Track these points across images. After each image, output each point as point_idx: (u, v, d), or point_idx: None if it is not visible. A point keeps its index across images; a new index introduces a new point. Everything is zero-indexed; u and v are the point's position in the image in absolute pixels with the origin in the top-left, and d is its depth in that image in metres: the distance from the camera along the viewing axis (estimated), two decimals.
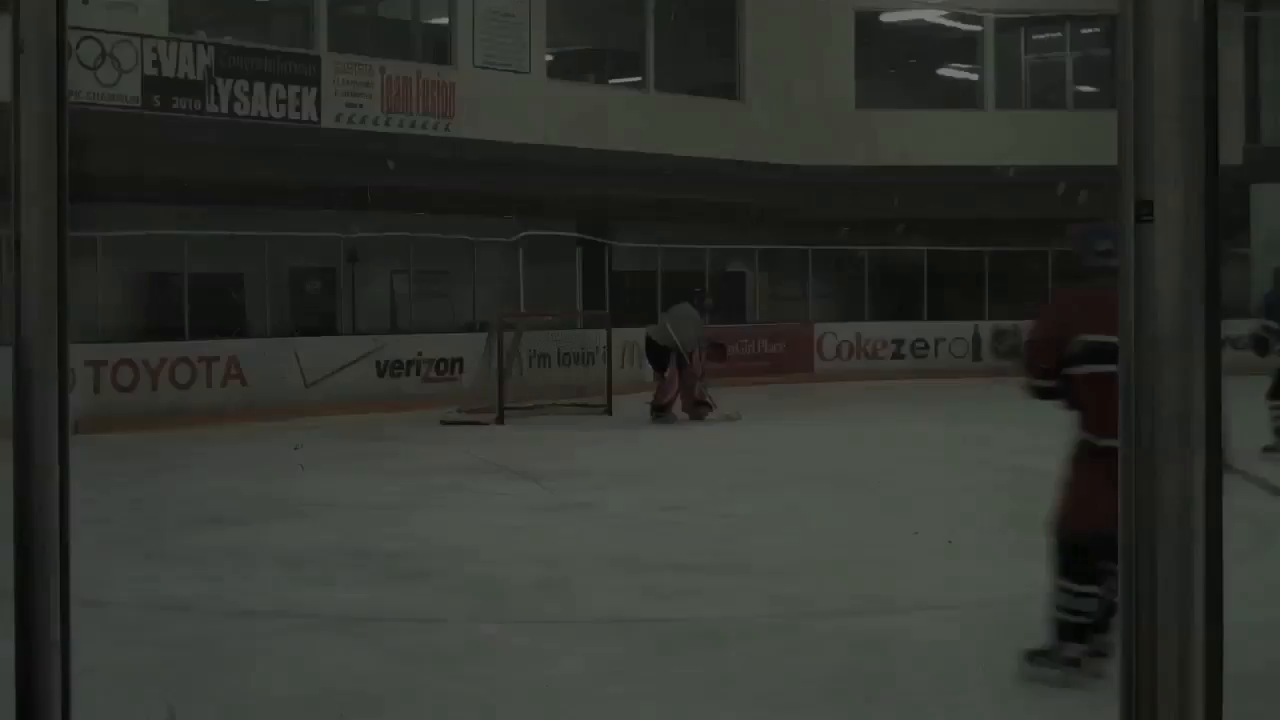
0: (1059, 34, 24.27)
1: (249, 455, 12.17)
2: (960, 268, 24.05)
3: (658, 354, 15.01)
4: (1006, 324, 5.72)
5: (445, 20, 18.93)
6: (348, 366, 16.24)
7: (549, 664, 5.34)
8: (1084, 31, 24.18)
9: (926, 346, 21.74)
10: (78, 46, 14.50)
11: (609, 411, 15.52)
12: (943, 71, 25.52)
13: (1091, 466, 5.18)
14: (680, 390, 14.88)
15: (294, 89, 16.79)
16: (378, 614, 6.13)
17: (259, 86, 16.47)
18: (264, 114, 16.51)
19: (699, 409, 14.84)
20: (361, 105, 17.43)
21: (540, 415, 15.46)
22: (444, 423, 14.51)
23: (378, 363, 16.53)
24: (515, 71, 19.00)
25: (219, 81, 16.15)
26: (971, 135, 22.54)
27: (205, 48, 16.22)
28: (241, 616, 6.16)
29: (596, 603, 6.38)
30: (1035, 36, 24.63)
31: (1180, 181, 1.49)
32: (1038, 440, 12.99)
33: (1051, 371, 5.37)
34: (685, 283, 21.08)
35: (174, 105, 15.76)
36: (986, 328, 21.97)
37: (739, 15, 21.96)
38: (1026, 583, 6.71)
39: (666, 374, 14.88)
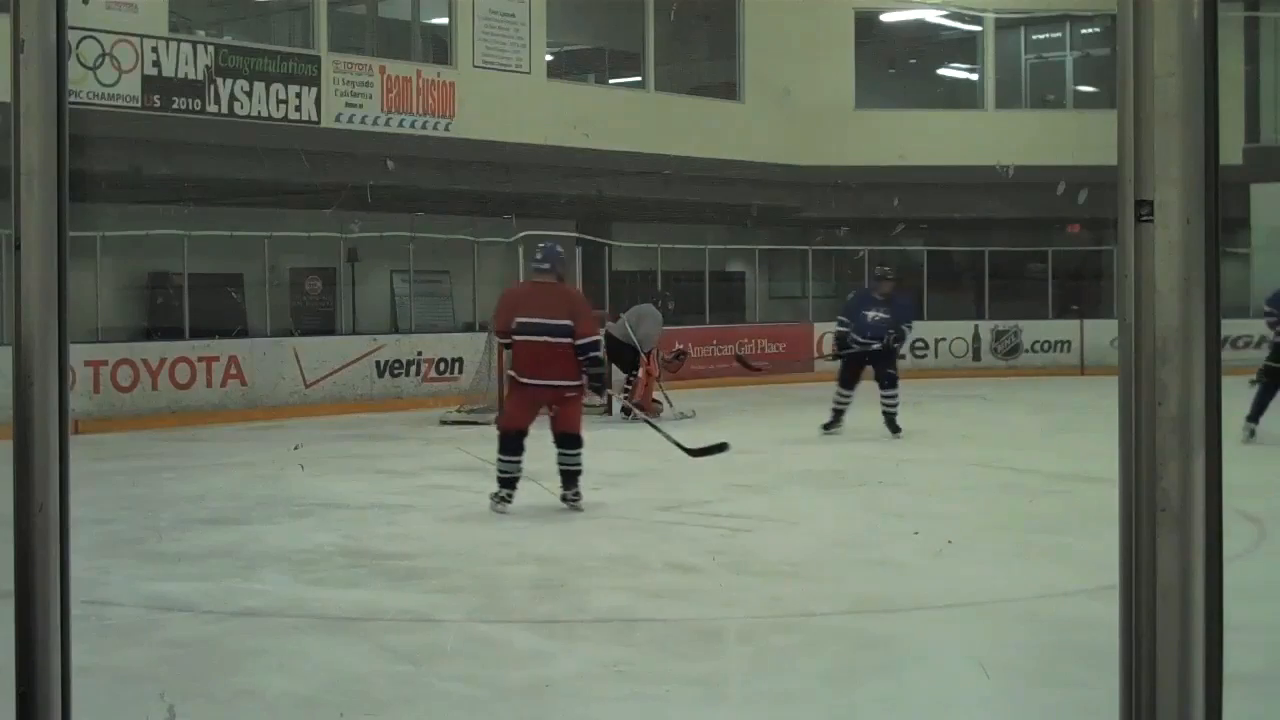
0: (1059, 34, 24.28)
1: (249, 455, 12.17)
2: (960, 268, 24.07)
3: (618, 350, 15.17)
4: None
5: (445, 20, 18.94)
6: (347, 366, 16.24)
7: (549, 664, 5.34)
8: (1084, 31, 24.20)
9: (926, 346, 21.73)
10: (78, 46, 14.51)
11: (609, 411, 15.52)
12: (943, 71, 25.53)
13: (514, 392, 9.05)
14: (633, 388, 15.14)
15: (294, 89, 16.79)
16: (378, 614, 6.13)
17: (259, 86, 16.48)
18: (264, 114, 16.51)
19: (644, 410, 15.10)
20: (361, 105, 17.44)
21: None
22: (444, 423, 14.51)
23: (377, 363, 16.53)
24: (515, 71, 19.00)
25: (219, 81, 16.15)
26: (971, 135, 22.55)
27: (205, 48, 16.23)
28: (241, 616, 6.16)
29: (596, 603, 6.37)
30: (1035, 36, 24.64)
31: (1180, 181, 1.49)
32: (1037, 440, 13.05)
33: (505, 335, 8.92)
34: (687, 282, 21.17)
35: (174, 105, 15.76)
36: (987, 328, 22.03)
37: (739, 15, 21.96)
38: (1027, 583, 6.73)
39: (638, 373, 15.06)
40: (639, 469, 11.05)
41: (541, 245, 9.18)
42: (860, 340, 13.00)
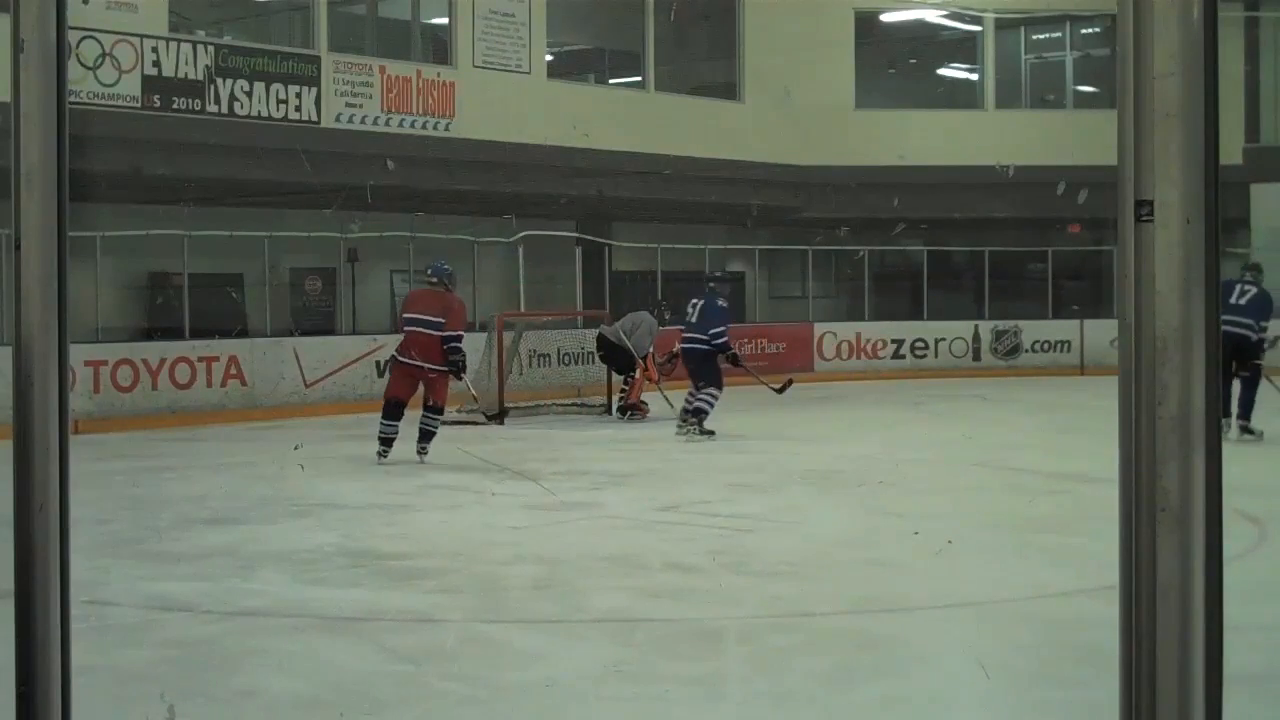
0: (1059, 34, 24.28)
1: (249, 455, 12.18)
2: (960, 268, 24.07)
3: (612, 352, 15.22)
4: None
5: (445, 20, 18.94)
6: (347, 366, 16.25)
7: (549, 664, 5.34)
8: (1084, 31, 24.20)
9: (926, 346, 21.74)
10: (78, 46, 14.51)
11: (609, 411, 15.54)
12: (943, 71, 25.53)
13: (395, 370, 11.52)
14: (629, 389, 15.20)
15: (294, 89, 16.80)
16: (378, 614, 6.12)
17: (259, 86, 16.48)
18: (264, 114, 16.51)
19: (637, 411, 15.10)
20: (361, 105, 17.44)
21: (540, 415, 15.46)
22: (444, 422, 14.48)
23: (377, 363, 16.53)
24: (515, 71, 19.00)
25: (219, 81, 16.16)
26: (971, 135, 22.55)
27: (205, 48, 16.23)
28: (241, 616, 6.16)
29: (596, 603, 6.37)
30: (1035, 36, 24.64)
31: (1180, 181, 1.49)
32: (1036, 440, 13.05)
33: (401, 329, 11.61)
34: (687, 282, 21.17)
35: (174, 105, 15.76)
36: (987, 328, 22.04)
37: (739, 15, 21.97)
38: (1027, 583, 6.73)
39: (635, 374, 15.13)
40: (639, 469, 11.05)
41: (432, 264, 11.92)
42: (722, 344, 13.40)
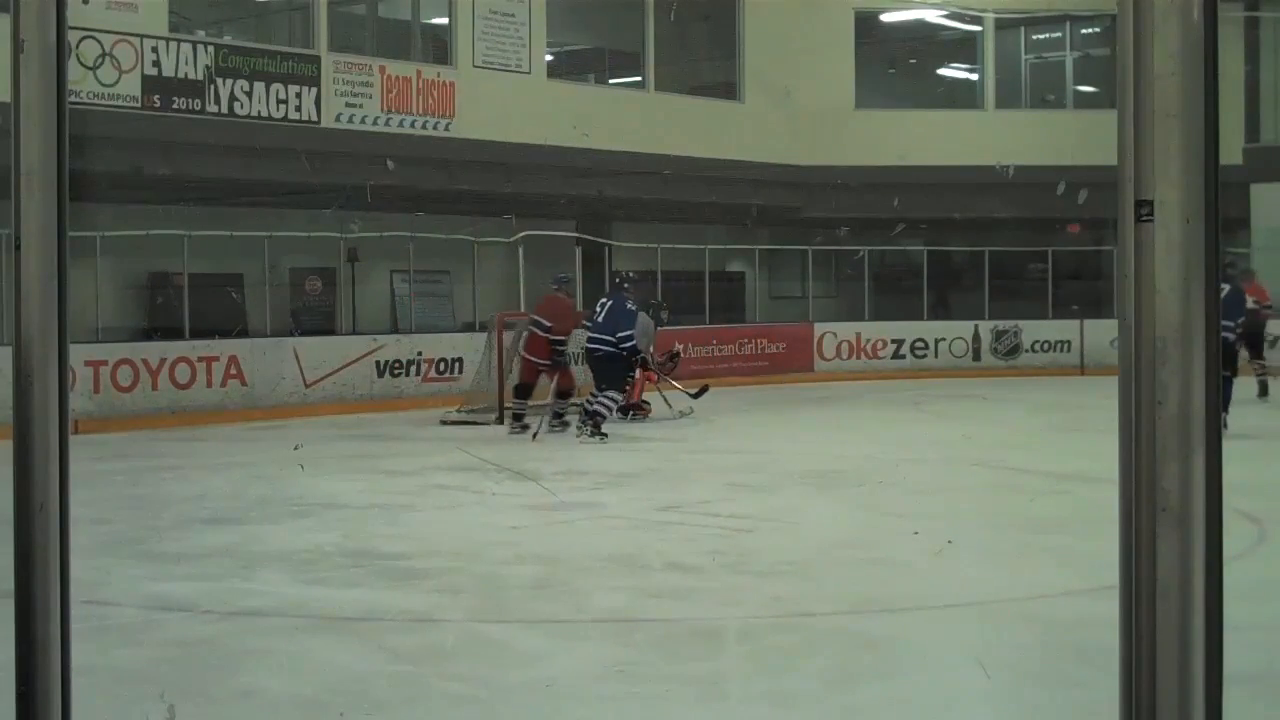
0: (1059, 34, 24.28)
1: (249, 455, 12.18)
2: (960, 268, 24.06)
3: None
4: None
5: (445, 20, 18.94)
6: (347, 366, 16.24)
7: (549, 664, 5.34)
8: (1084, 31, 24.19)
9: (926, 346, 21.74)
10: (78, 46, 14.51)
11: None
12: (943, 71, 25.53)
13: (523, 363, 13.80)
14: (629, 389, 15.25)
15: (294, 89, 16.79)
16: (378, 614, 6.13)
17: (259, 86, 16.47)
18: (264, 114, 16.51)
19: (638, 411, 15.10)
20: (361, 105, 17.44)
21: (540, 415, 15.44)
22: (444, 423, 14.51)
23: (377, 363, 16.53)
24: (515, 71, 19.00)
25: (219, 81, 16.15)
26: (971, 135, 22.54)
27: (205, 48, 16.23)
28: (241, 616, 6.16)
29: (596, 603, 6.37)
30: (1035, 36, 24.64)
31: (1180, 181, 1.49)
32: (1036, 440, 13.05)
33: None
34: (687, 282, 21.18)
35: (174, 105, 15.76)
36: (987, 328, 22.03)
37: (739, 15, 21.96)
38: (1027, 583, 6.73)
39: (635, 375, 15.13)
40: (639, 469, 11.05)
41: (556, 274, 14.46)
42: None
